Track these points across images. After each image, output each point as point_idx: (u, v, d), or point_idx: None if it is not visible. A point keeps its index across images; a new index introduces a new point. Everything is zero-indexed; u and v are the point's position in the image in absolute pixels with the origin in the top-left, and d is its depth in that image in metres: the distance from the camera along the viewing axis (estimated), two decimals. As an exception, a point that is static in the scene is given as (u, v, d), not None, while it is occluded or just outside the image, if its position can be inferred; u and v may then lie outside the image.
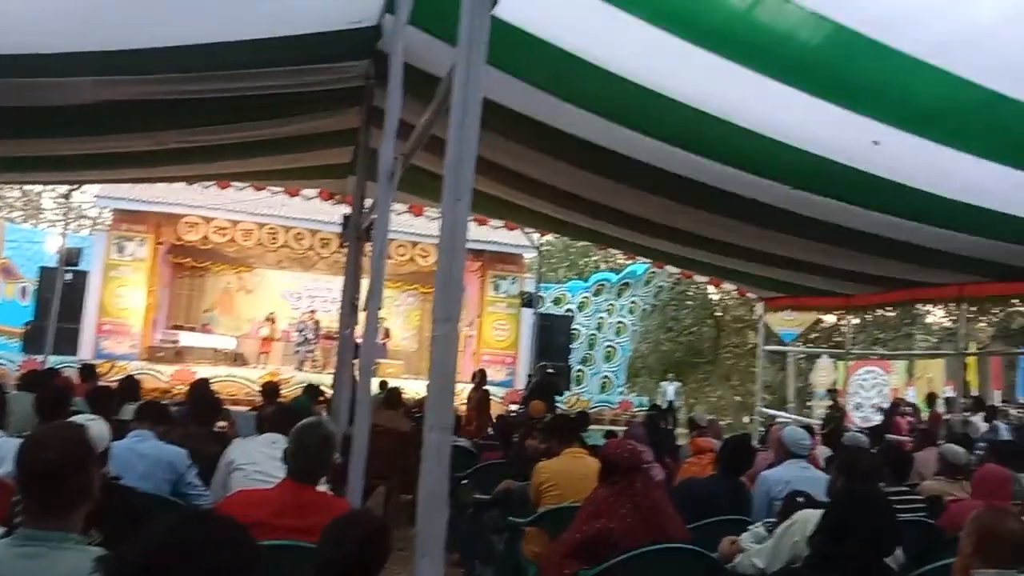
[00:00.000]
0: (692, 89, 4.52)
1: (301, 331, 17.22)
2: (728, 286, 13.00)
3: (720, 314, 27.48)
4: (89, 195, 18.08)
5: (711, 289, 21.68)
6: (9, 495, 2.22)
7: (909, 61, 3.68)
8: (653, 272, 18.96)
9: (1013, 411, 12.68)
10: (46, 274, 14.69)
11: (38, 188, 25.39)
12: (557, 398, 12.72)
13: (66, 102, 5.56)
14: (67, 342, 14.33)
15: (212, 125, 6.79)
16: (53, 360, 12.22)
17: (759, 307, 13.04)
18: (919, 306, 12.98)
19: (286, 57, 5.20)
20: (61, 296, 13.21)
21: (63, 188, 13.07)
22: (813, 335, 23.01)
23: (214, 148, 7.62)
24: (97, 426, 2.72)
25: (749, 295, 13.41)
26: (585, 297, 19.89)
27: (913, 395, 17.68)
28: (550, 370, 13.33)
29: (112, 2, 3.96)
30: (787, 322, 13.57)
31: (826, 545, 2.34)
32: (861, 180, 5.16)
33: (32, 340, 14.06)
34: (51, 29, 4.28)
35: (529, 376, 15.26)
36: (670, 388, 19.25)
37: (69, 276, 14.23)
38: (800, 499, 3.50)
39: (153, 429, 4.15)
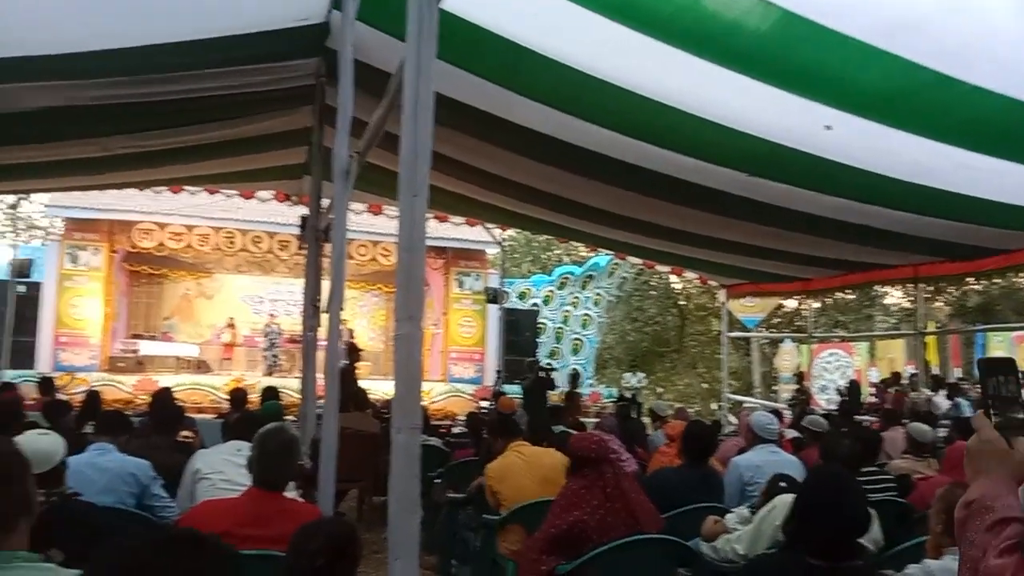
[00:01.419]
0: (643, 79, 4.53)
1: (268, 335, 17.00)
2: (690, 274, 13.09)
3: (683, 303, 27.70)
4: (39, 204, 17.64)
5: (673, 278, 21.84)
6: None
7: (857, 46, 3.73)
8: (616, 263, 19.03)
9: (973, 388, 12.95)
10: (-4, 287, 14.34)
11: (-15, 200, 24.78)
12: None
13: (6, 109, 5.40)
14: (24, 355, 14.00)
15: (160, 129, 6.64)
16: (10, 375, 11.92)
17: (721, 294, 13.16)
18: (877, 288, 13.21)
19: (233, 57, 5.10)
20: (15, 309, 12.90)
21: (11, 198, 12.71)
22: (775, 320, 23.32)
23: (164, 152, 7.45)
24: (50, 440, 2.64)
25: (711, 283, 13.52)
26: (550, 291, 19.92)
27: (876, 375, 17.98)
28: (546, 365, 13.14)
29: (50, 4, 3.84)
30: (749, 308, 13.71)
31: (798, 528, 2.35)
32: (814, 165, 5.22)
33: (-14, 356, 13.72)
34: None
35: (497, 373, 15.24)
36: (632, 379, 19.14)
37: (22, 288, 13.91)
38: (782, 483, 3.50)
39: (113, 441, 4.05)
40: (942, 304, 23.76)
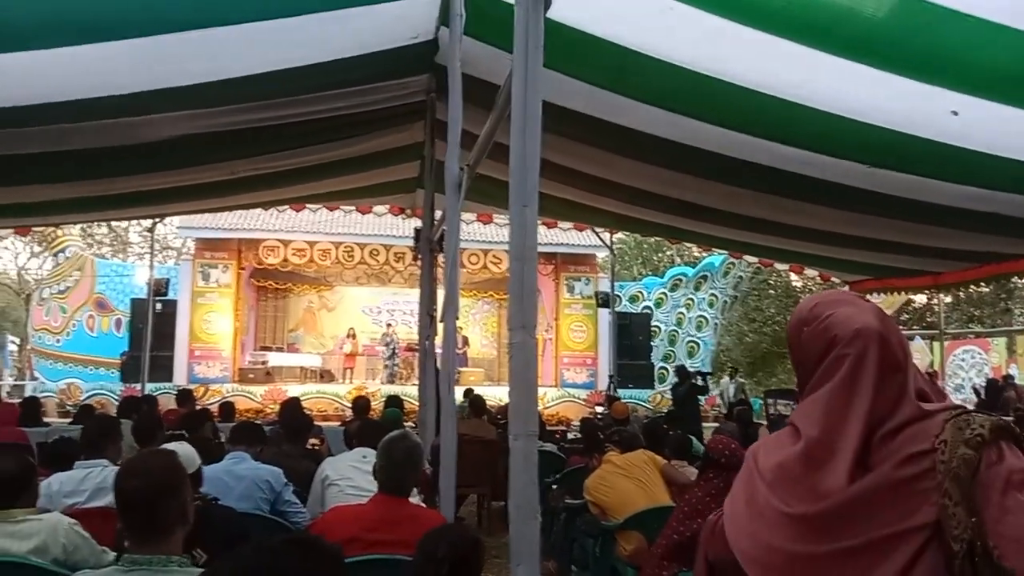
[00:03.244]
0: (754, 73, 4.42)
1: (388, 344, 17.48)
2: (811, 272, 12.63)
3: (804, 301, 26.70)
4: (172, 227, 18.73)
5: (793, 276, 21.14)
6: (115, 523, 2.30)
7: (982, 25, 3.54)
8: (731, 263, 18.59)
9: None
10: (138, 305, 15.27)
11: (124, 223, 26.53)
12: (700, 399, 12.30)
13: (148, 139, 5.79)
14: (162, 369, 14.89)
15: (283, 151, 6.97)
16: (150, 387, 12.70)
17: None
18: (1015, 279, 12.37)
19: (349, 78, 5.30)
20: (153, 325, 13.73)
21: (147, 222, 13.57)
22: (904, 316, 22.23)
23: (286, 173, 7.81)
24: (184, 449, 2.80)
25: (833, 280, 13.01)
26: (662, 293, 19.63)
27: (1016, 372, 16.87)
28: (704, 372, 12.79)
29: (177, 39, 4.09)
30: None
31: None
32: (940, 153, 4.97)
33: (129, 370, 14.65)
34: (126, 69, 4.45)
35: (609, 378, 15.10)
36: (731, 386, 18.12)
37: (159, 306, 14.77)
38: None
39: (248, 450, 4.24)
40: (1090, 294, 22.09)
